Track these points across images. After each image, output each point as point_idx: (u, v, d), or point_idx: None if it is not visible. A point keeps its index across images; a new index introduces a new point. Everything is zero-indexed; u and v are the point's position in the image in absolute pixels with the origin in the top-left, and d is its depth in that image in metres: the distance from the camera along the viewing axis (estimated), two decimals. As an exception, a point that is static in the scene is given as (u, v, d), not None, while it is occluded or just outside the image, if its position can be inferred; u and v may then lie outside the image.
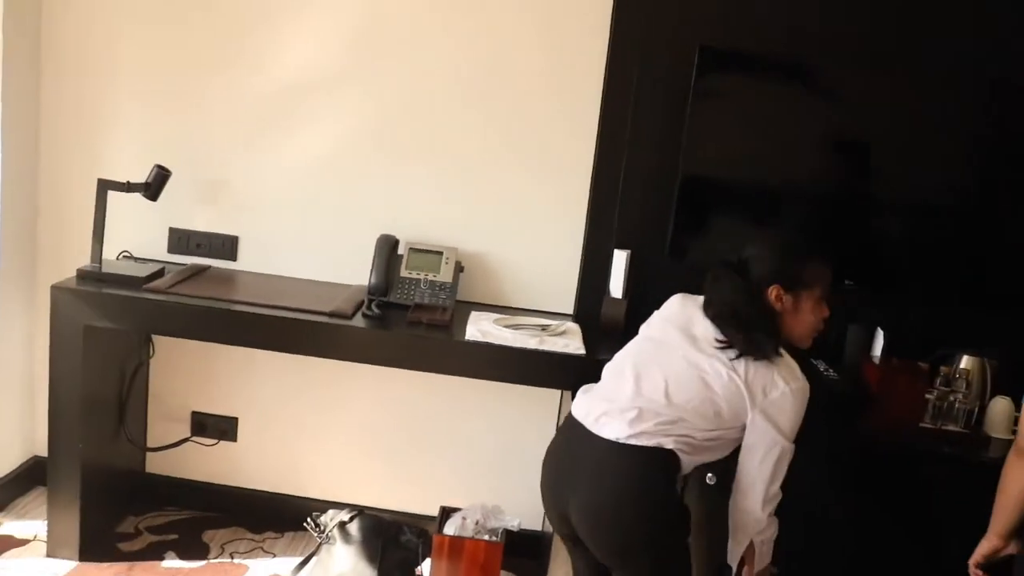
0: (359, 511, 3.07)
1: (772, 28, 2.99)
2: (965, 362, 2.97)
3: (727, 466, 2.30)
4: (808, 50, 3.00)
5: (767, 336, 2.16)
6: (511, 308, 3.18)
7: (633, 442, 2.12)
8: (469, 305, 3.15)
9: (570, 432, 2.25)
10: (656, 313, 2.38)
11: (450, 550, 2.92)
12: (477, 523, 2.99)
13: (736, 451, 2.25)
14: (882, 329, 2.98)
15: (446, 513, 3.05)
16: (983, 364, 2.97)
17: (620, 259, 2.98)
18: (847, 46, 3.00)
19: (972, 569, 2.23)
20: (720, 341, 2.18)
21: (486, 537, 2.94)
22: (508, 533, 2.98)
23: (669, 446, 2.13)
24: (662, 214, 3.02)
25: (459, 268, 3.12)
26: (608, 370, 2.32)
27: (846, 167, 3.10)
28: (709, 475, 2.40)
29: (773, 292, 2.22)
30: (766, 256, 2.24)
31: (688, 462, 2.18)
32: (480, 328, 2.87)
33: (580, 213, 3.14)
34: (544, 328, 2.95)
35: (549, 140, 3.12)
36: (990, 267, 3.14)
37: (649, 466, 2.13)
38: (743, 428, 2.19)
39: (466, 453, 3.35)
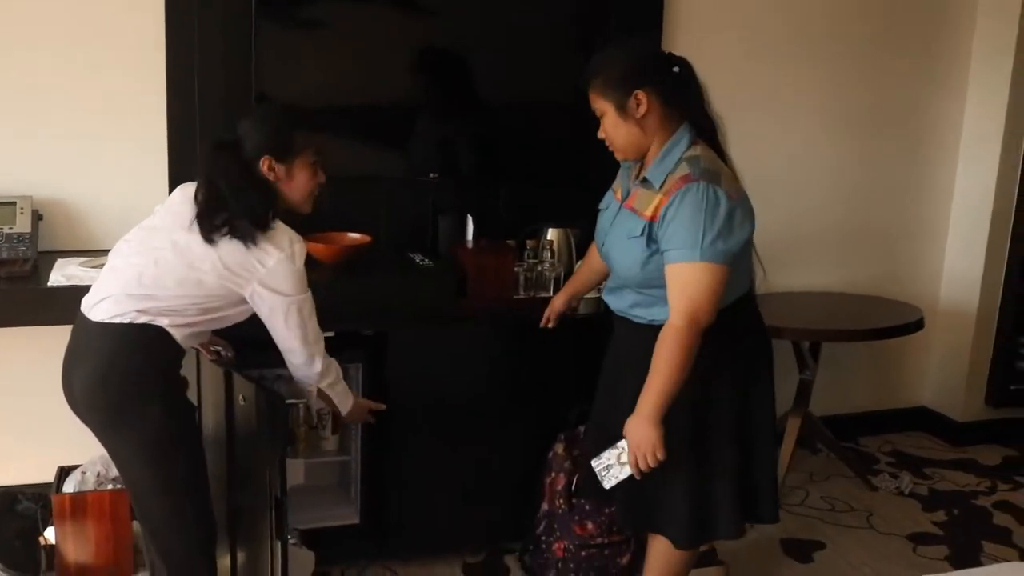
0: (-36, 492, 2.86)
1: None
2: (550, 234, 3.20)
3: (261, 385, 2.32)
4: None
5: (260, 208, 2.20)
6: (104, 250, 3.02)
7: (116, 320, 2.17)
8: (56, 254, 2.97)
9: (75, 325, 2.29)
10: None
11: (73, 508, 2.79)
12: (99, 475, 2.87)
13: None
14: (471, 216, 3.14)
15: (64, 473, 2.91)
16: (567, 234, 3.22)
17: (206, 182, 2.92)
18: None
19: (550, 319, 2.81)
20: (208, 222, 2.19)
21: (110, 487, 2.83)
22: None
23: (149, 319, 2.18)
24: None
25: (37, 217, 2.93)
26: (108, 259, 2.33)
27: (436, 75, 3.22)
28: (241, 397, 2.37)
29: (265, 163, 2.25)
30: (255, 129, 2.26)
31: (185, 334, 2.24)
32: (65, 273, 2.73)
33: (160, 142, 3.04)
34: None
35: (114, 71, 2.99)
36: (574, 152, 3.40)
37: (132, 341, 2.18)
38: (244, 300, 2.25)
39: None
